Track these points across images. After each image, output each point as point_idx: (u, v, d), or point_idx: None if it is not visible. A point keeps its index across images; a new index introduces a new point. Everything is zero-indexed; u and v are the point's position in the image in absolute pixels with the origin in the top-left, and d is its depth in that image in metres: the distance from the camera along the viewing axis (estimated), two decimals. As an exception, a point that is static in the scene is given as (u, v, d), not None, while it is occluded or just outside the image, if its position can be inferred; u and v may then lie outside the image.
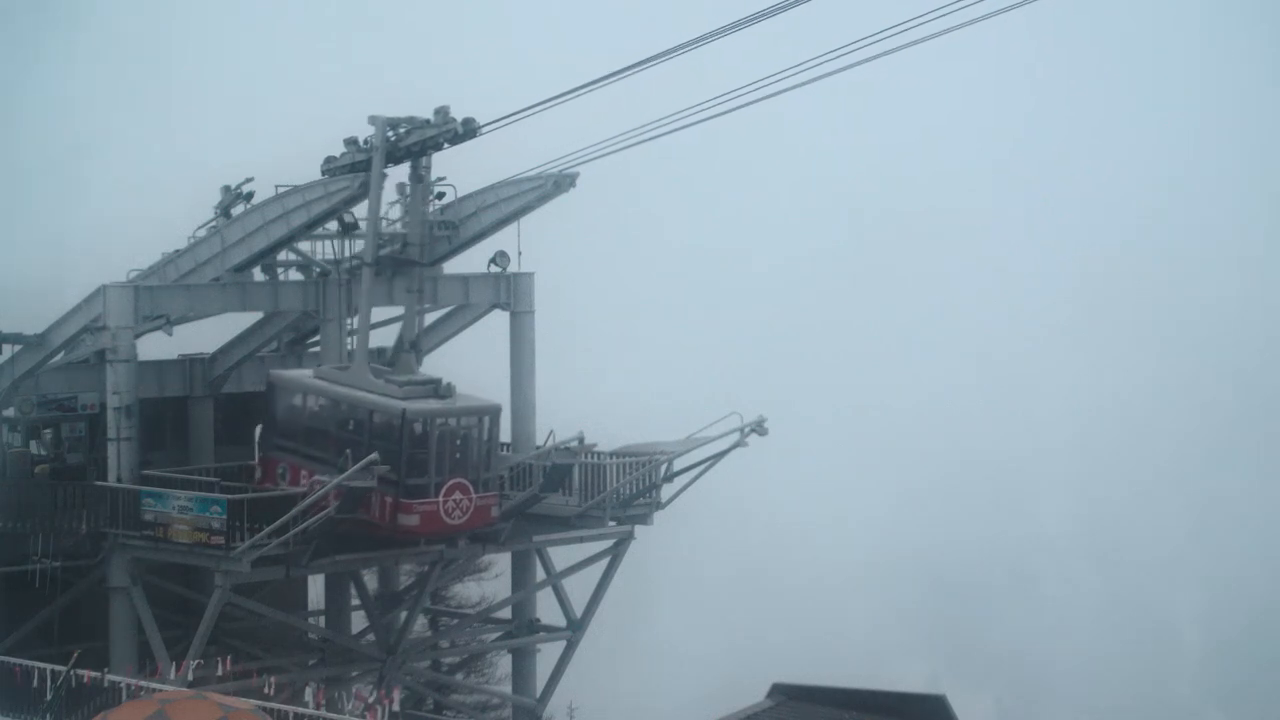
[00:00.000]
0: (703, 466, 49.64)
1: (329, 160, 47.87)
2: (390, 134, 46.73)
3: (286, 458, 47.06)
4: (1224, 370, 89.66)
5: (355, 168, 47.24)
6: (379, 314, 53.66)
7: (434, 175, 50.54)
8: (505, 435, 50.04)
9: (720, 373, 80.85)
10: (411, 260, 48.08)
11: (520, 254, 51.65)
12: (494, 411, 46.19)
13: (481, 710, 58.54)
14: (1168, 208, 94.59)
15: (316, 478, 45.39)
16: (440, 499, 44.75)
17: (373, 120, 46.77)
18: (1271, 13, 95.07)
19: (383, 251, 51.42)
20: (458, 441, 45.40)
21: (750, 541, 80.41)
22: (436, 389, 45.62)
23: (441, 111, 46.34)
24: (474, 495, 45.29)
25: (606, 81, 43.46)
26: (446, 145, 46.81)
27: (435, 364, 55.05)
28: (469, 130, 46.15)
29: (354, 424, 45.83)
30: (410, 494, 44.53)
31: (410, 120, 46.64)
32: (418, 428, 44.81)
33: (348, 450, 43.50)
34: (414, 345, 47.85)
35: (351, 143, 47.43)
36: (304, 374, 48.62)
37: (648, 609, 69.09)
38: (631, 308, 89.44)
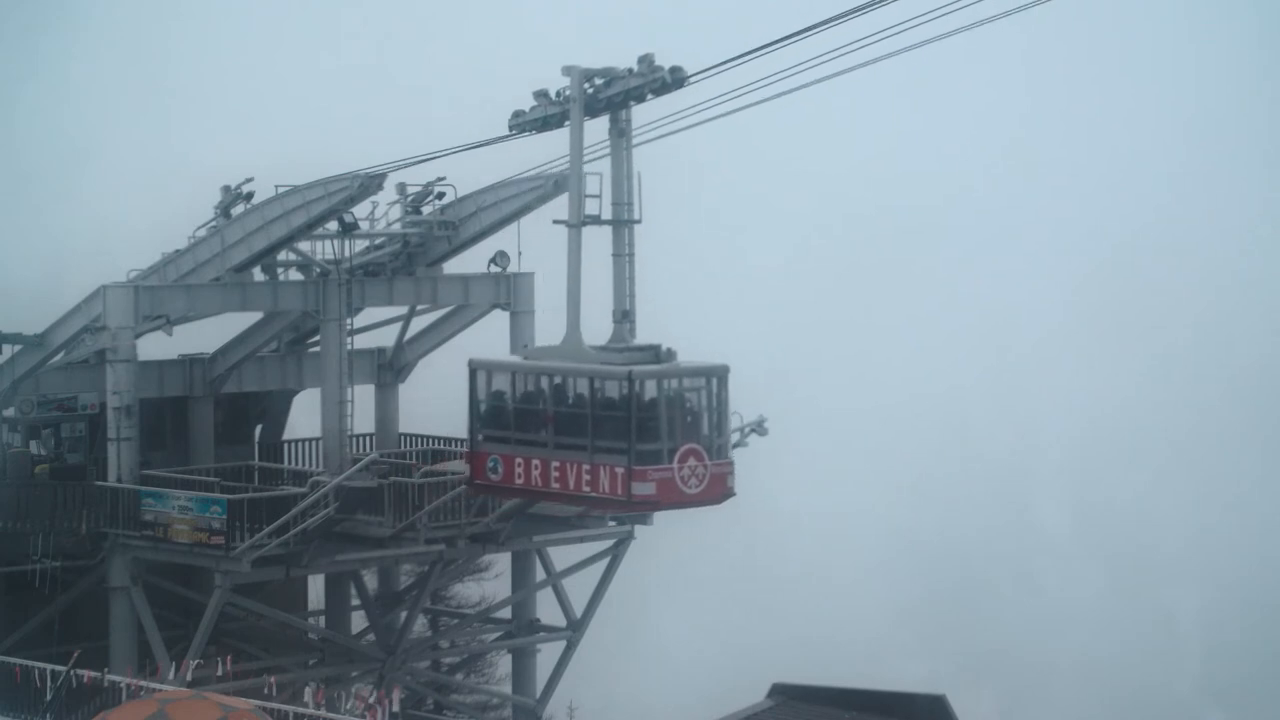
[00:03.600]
0: (703, 466, 49.50)
1: (516, 115, 44.86)
2: (587, 86, 43.59)
3: (496, 448, 44.12)
4: (1224, 370, 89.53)
5: (547, 122, 44.51)
6: (378, 314, 53.78)
7: (435, 176, 50.65)
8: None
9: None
10: (622, 220, 44.91)
11: (520, 254, 51.66)
12: (722, 372, 43.33)
13: (481, 710, 58.53)
14: (1168, 207, 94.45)
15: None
16: (675, 465, 42.04)
17: (568, 71, 43.57)
18: (1272, 12, 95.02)
19: (384, 250, 51.54)
20: (688, 404, 42.76)
21: (750, 541, 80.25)
22: (657, 355, 43.23)
23: (646, 60, 43.27)
24: (709, 462, 42.56)
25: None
26: (651, 96, 43.58)
27: (435, 364, 55.17)
28: (677, 80, 42.97)
29: (574, 398, 43.10)
30: (643, 460, 41.68)
31: (608, 71, 43.56)
32: (644, 390, 42.10)
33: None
34: (626, 314, 44.92)
35: (542, 95, 44.41)
36: (509, 357, 46.71)
37: (648, 609, 69.05)
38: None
